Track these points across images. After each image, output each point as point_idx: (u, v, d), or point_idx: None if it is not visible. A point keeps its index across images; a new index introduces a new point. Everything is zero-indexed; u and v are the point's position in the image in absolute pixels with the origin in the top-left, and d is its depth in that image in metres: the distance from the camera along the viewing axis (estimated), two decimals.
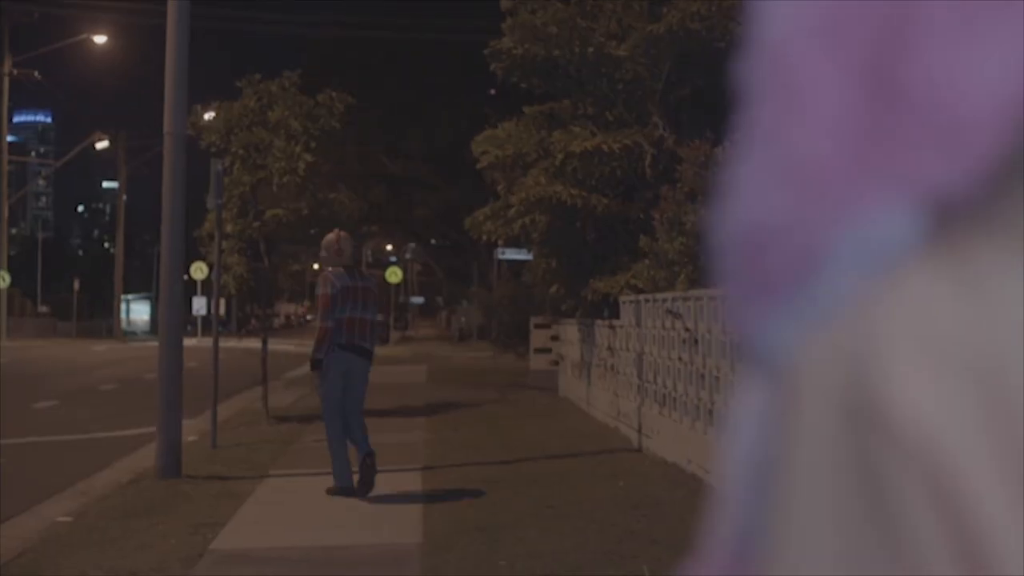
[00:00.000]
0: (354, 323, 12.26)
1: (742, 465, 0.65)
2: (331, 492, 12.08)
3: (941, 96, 0.59)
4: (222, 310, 16.79)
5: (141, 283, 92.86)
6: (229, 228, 17.78)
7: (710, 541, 0.71)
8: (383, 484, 12.21)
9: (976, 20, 0.58)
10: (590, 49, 19.14)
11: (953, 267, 0.56)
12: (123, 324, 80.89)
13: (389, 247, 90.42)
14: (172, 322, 13.88)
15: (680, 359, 13.49)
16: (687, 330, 13.19)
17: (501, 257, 37.15)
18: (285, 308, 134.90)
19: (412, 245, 77.44)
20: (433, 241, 67.66)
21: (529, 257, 28.40)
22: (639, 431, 15.38)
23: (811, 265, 0.62)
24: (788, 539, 0.56)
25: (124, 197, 79.47)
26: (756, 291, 0.66)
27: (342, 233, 12.92)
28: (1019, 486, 0.49)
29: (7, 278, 59.65)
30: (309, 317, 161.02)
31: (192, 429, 15.70)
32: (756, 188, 0.66)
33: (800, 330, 0.61)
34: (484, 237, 22.26)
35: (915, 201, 0.59)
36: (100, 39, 61.22)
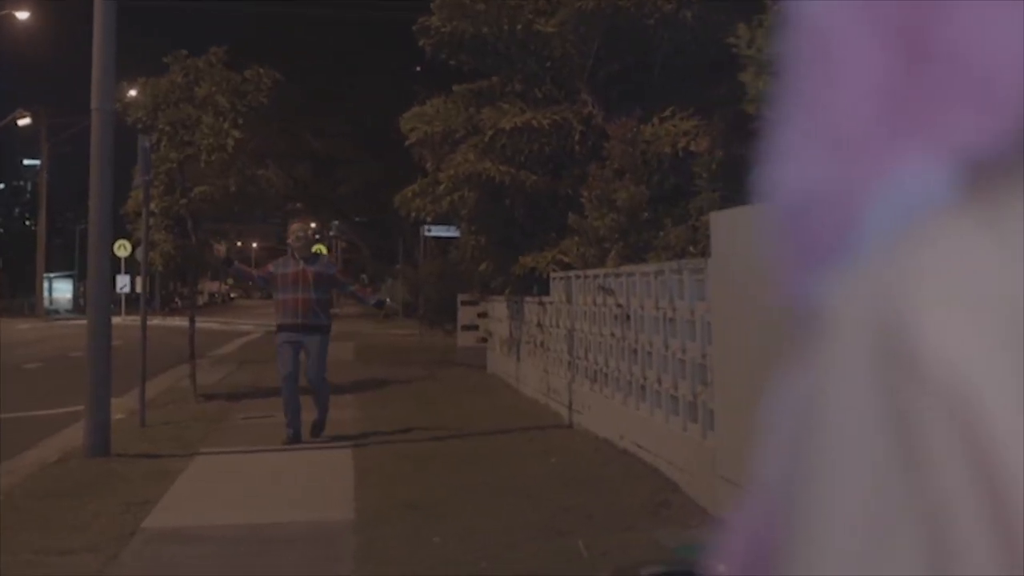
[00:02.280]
0: (286, 303, 14.10)
1: (785, 428, 0.65)
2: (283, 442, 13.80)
3: (974, 55, 0.59)
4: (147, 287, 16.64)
5: (64, 261, 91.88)
6: (155, 205, 17.63)
7: (751, 498, 0.71)
8: (314, 462, 12.20)
9: None
10: (518, 26, 19.12)
11: (988, 220, 0.56)
12: (45, 303, 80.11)
13: (314, 224, 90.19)
14: (100, 300, 13.76)
15: (612, 335, 13.52)
16: (619, 306, 13.22)
17: (428, 234, 37.06)
18: (209, 286, 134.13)
19: (336, 222, 77.03)
20: (358, 219, 67.42)
21: (456, 234, 28.38)
22: (570, 407, 15.41)
23: (853, 225, 0.63)
24: (819, 479, 0.57)
25: (46, 175, 78.66)
26: (801, 255, 0.67)
27: (294, 225, 15.18)
28: None
29: None
30: (233, 295, 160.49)
31: (120, 407, 15.55)
32: (798, 154, 0.67)
33: (842, 287, 0.61)
34: (413, 214, 22.20)
35: (951, 158, 0.60)
36: (22, 15, 60.44)
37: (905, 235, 0.59)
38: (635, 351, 12.63)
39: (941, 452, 0.51)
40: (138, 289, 16.55)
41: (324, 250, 58.79)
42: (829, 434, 0.57)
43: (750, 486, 0.71)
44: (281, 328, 14.24)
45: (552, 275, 17.19)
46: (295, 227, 15.24)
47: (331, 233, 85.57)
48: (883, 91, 0.62)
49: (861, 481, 0.54)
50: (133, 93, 19.01)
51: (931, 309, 0.54)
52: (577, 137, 18.68)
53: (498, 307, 22.10)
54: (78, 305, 79.22)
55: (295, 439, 13.95)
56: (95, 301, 13.78)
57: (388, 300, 14.22)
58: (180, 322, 20.47)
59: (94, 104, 13.59)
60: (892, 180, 0.61)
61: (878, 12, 0.63)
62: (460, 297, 26.16)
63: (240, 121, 18.16)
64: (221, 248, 16.54)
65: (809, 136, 0.66)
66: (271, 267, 14.76)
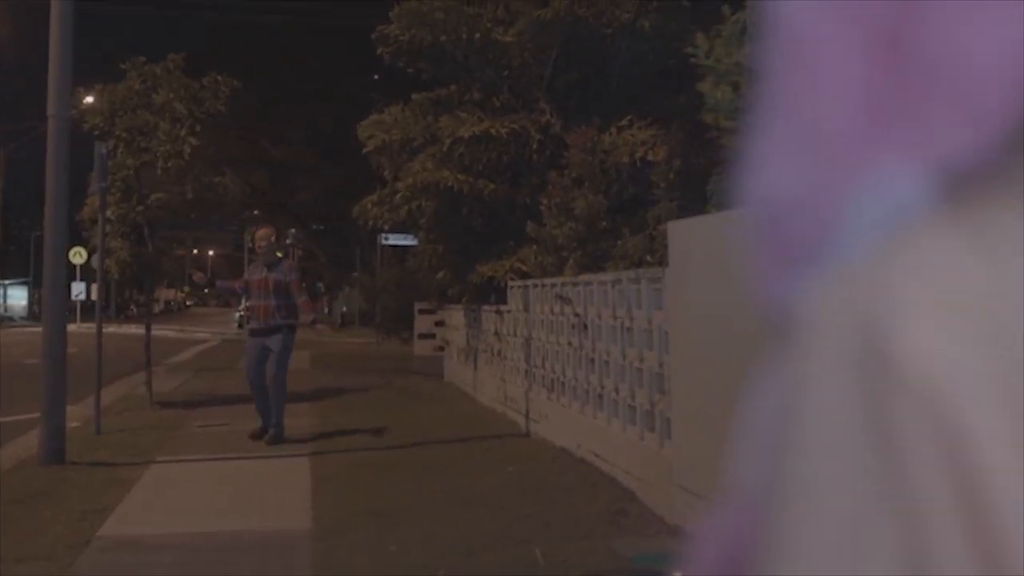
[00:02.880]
0: (255, 308, 15.06)
1: (761, 434, 0.66)
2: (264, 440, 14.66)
3: (953, 64, 0.60)
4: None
5: (19, 268, 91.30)
6: (112, 212, 17.56)
7: (727, 503, 0.72)
8: (272, 471, 12.19)
9: None
10: (477, 35, 19.15)
11: (967, 228, 0.57)
12: (0, 310, 79.64)
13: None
14: (56, 307, 13.68)
15: (569, 344, 13.53)
16: (577, 315, 13.24)
17: (385, 242, 37.03)
18: (165, 294, 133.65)
19: (293, 230, 76.81)
20: (315, 226, 67.30)
21: (414, 242, 28.37)
22: (527, 416, 15.43)
23: (831, 231, 0.64)
24: (799, 482, 0.58)
25: (0, 181, 78.24)
26: (777, 260, 0.68)
27: (260, 232, 15.83)
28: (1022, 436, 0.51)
29: None
30: (189, 303, 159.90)
31: (75, 415, 15.49)
32: (776, 160, 0.68)
33: (819, 292, 0.62)
34: (371, 223, 22.19)
35: (929, 166, 0.61)
36: None
37: (884, 241, 0.60)
38: (592, 360, 12.65)
39: (918, 453, 0.52)
40: (94, 296, 16.46)
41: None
42: (808, 436, 0.58)
43: (723, 493, 0.72)
44: (251, 332, 15.24)
45: (510, 284, 17.21)
46: (261, 233, 15.77)
47: (288, 241, 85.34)
48: (862, 97, 0.63)
49: (841, 482, 0.55)
50: (90, 99, 18.95)
51: (909, 315, 0.55)
52: (535, 146, 18.72)
53: (455, 316, 22.10)
54: (33, 312, 78.66)
55: (262, 435, 14.73)
56: (50, 308, 13.71)
57: (315, 319, 15.30)
58: (136, 329, 20.40)
59: (50, 111, 13.53)
60: (870, 186, 0.63)
61: (859, 18, 0.64)
62: (417, 305, 26.14)
63: (197, 128, 18.12)
64: (201, 275, 17.03)
65: (786, 142, 0.67)
66: (246, 275, 15.67)
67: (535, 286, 15.45)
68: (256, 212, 59.59)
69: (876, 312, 0.56)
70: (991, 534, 0.50)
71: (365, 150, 21.34)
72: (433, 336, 25.03)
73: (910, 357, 0.54)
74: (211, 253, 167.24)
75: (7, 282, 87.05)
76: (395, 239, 34.50)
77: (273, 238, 15.66)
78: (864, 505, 0.54)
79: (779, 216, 0.68)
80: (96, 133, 17.58)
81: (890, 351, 0.54)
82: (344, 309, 62.47)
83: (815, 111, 0.65)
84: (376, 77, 35.19)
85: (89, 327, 15.97)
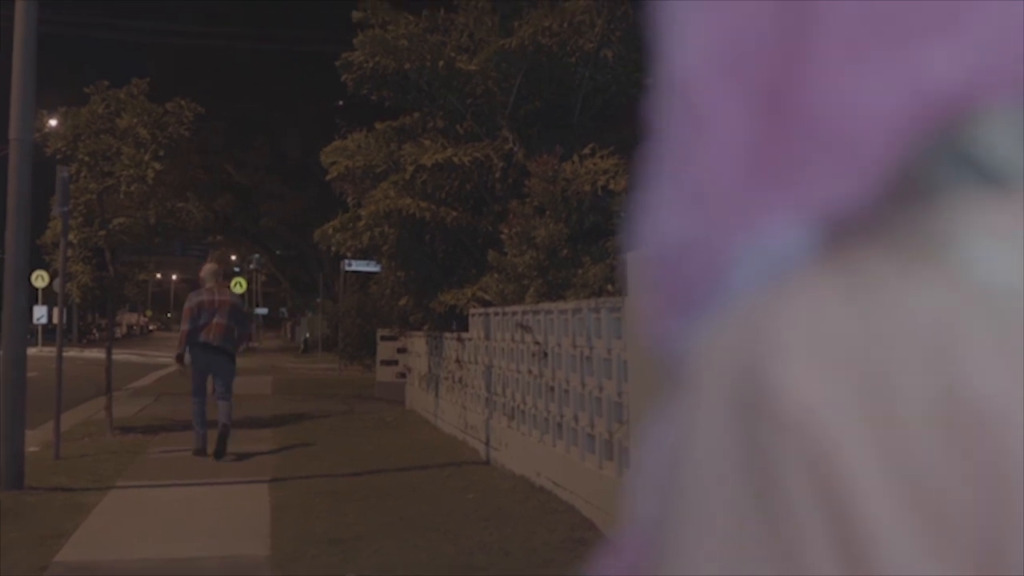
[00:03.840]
0: (208, 327, 15.98)
1: (655, 470, 0.70)
2: (194, 452, 15.69)
3: (832, 120, 0.64)
4: (64, 319, 16.51)
5: None
6: (74, 236, 17.52)
7: (624, 537, 0.76)
8: (230, 497, 12.19)
9: (863, 52, 0.63)
10: (441, 63, 19.20)
11: (842, 275, 0.61)
12: None
13: (234, 257, 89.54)
14: (16, 331, 13.64)
15: (530, 372, 13.56)
16: (537, 343, 13.28)
17: (348, 269, 36.99)
18: (127, 318, 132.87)
19: (257, 255, 76.70)
20: (279, 252, 67.23)
21: (377, 269, 28.36)
22: (487, 444, 15.44)
23: (718, 277, 0.67)
24: (684, 520, 0.61)
25: None
26: (671, 303, 0.72)
27: (207, 267, 16.97)
28: (895, 474, 0.54)
29: None
30: (152, 327, 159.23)
31: (34, 440, 15.45)
32: (668, 208, 0.71)
33: (705, 336, 0.66)
34: (333, 249, 22.19)
35: (808, 216, 0.65)
36: None
37: (765, 287, 0.64)
38: (552, 388, 12.68)
39: (795, 489, 0.55)
40: (55, 320, 16.39)
41: (244, 284, 58.46)
42: (693, 475, 0.60)
43: (622, 528, 0.76)
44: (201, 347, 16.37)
45: (471, 312, 17.23)
46: (207, 268, 17.04)
47: (251, 266, 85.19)
48: (746, 151, 0.66)
49: (723, 521, 0.58)
50: (53, 123, 18.91)
51: (784, 358, 0.58)
52: (498, 174, 18.77)
53: (417, 343, 22.08)
54: None
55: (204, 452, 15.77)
56: (10, 332, 13.66)
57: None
58: (97, 354, 20.33)
59: (12, 135, 13.51)
60: (754, 234, 0.66)
61: (742, 72, 0.67)
62: (380, 332, 26.11)
63: (161, 153, 18.09)
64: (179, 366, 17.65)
65: (676, 193, 0.70)
66: (188, 303, 16.57)
67: (496, 314, 15.49)
68: (220, 237, 59.49)
69: (754, 356, 0.59)
70: (864, 563, 0.53)
71: (328, 176, 21.36)
72: (395, 363, 24.99)
73: (785, 398, 0.57)
74: (174, 278, 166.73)
75: None
76: (358, 265, 34.43)
77: (204, 274, 16.79)
78: (744, 542, 0.57)
79: (672, 260, 0.71)
80: (59, 157, 17.54)
81: (767, 392, 0.57)
82: (307, 335, 62.30)
83: (701, 165, 0.68)
84: (340, 104, 35.18)
85: (51, 351, 15.91)
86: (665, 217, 0.72)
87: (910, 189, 0.63)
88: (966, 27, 0.64)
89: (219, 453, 15.41)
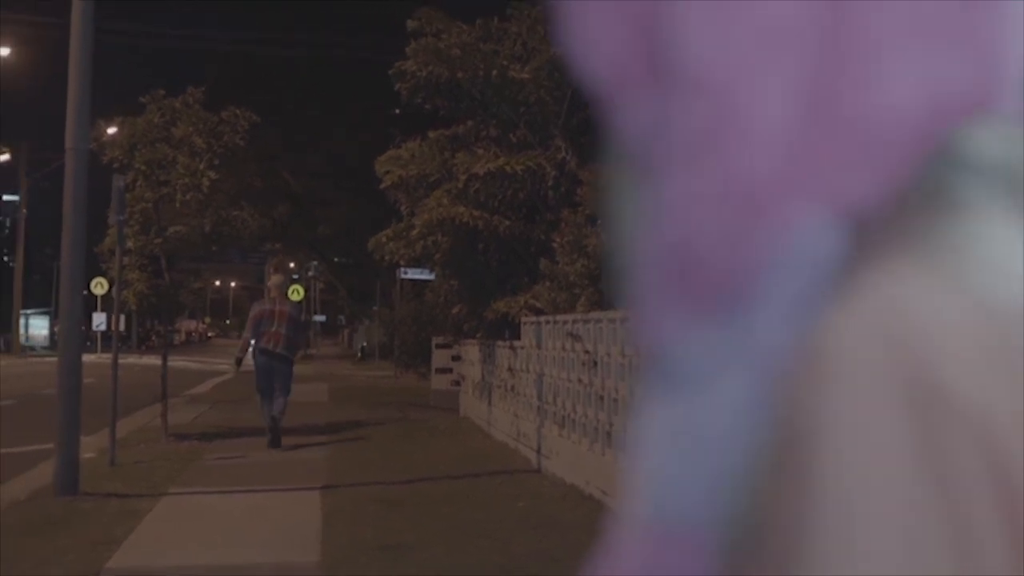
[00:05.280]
0: (268, 335, 17.67)
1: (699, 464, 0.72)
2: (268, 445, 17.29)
3: (869, 121, 0.68)
4: (123, 326, 16.66)
5: (41, 298, 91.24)
6: (130, 244, 17.65)
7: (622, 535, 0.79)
8: (283, 504, 12.26)
9: (896, 55, 0.68)
10: (494, 72, 19.24)
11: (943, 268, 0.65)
12: (22, 339, 79.70)
13: (292, 264, 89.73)
14: (71, 338, 13.77)
15: (580, 381, 13.55)
16: (587, 352, 13.26)
17: (404, 276, 37.05)
18: (186, 325, 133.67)
19: (315, 263, 76.80)
20: (336, 259, 67.34)
21: (432, 277, 28.41)
22: (539, 452, 15.44)
23: (751, 277, 0.70)
24: (832, 520, 0.60)
25: (24, 211, 78.39)
26: (685, 306, 0.73)
27: (274, 278, 19.15)
28: None
29: None
30: (211, 334, 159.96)
31: (90, 446, 15.57)
32: (688, 207, 0.72)
33: (741, 336, 0.69)
34: (387, 257, 22.27)
35: (842, 216, 0.68)
36: (3, 50, 60.39)
37: (807, 290, 0.67)
38: (602, 397, 12.67)
39: (974, 484, 0.58)
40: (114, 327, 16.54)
41: (302, 292, 58.64)
42: (840, 470, 0.61)
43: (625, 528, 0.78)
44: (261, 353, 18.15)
45: (523, 320, 17.24)
46: (274, 280, 19.15)
47: (309, 274, 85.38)
48: (782, 148, 0.69)
49: (892, 515, 0.59)
50: (112, 131, 19.05)
51: (956, 357, 0.60)
52: (550, 183, 18.80)
53: (471, 351, 22.10)
54: (54, 342, 78.78)
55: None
56: (66, 339, 13.79)
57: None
58: (156, 360, 20.44)
59: (68, 144, 13.62)
60: (790, 236, 0.69)
61: (783, 71, 0.69)
62: (434, 340, 26.12)
63: (216, 162, 18.20)
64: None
65: (701, 190, 0.71)
66: (251, 312, 18.59)
67: (547, 323, 15.47)
68: (278, 245, 59.66)
69: (921, 356, 0.60)
70: None
71: (382, 186, 21.45)
72: (450, 371, 25.01)
73: (961, 393, 0.59)
74: (233, 285, 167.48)
75: (29, 311, 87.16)
76: (413, 274, 34.47)
77: (285, 286, 19.29)
78: (921, 531, 0.58)
79: (690, 265, 0.72)
80: (115, 166, 17.67)
81: (942, 390, 0.59)
82: (364, 343, 62.43)
83: (732, 161, 0.70)
84: (396, 112, 35.28)
85: (109, 357, 16.00)
86: (684, 216, 0.73)
87: (926, 196, 0.68)
88: (975, 33, 0.69)
89: (273, 442, 17.23)
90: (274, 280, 19.02)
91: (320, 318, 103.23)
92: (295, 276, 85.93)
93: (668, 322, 0.74)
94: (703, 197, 0.71)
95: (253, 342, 18.21)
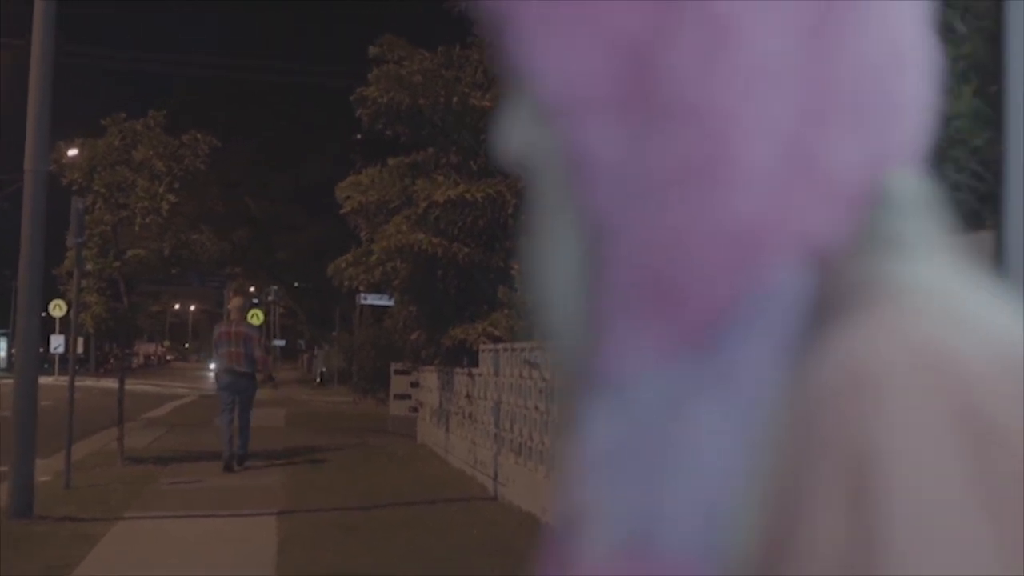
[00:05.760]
0: (230, 354, 18.14)
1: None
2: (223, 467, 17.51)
3: (839, 173, 0.74)
4: (80, 349, 16.62)
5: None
6: (89, 267, 17.60)
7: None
8: (237, 528, 12.22)
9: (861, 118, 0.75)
10: (455, 99, 19.29)
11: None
12: None
13: (252, 288, 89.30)
14: (27, 360, 13.74)
15: (536, 408, 13.56)
16: (544, 380, 13.27)
17: (363, 302, 37.00)
18: (144, 348, 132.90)
19: (275, 288, 76.65)
20: (296, 284, 67.22)
21: (391, 303, 28.38)
22: (495, 479, 15.43)
23: (735, 310, 0.73)
24: (891, 542, 0.62)
25: None
26: (664, 335, 0.75)
27: (234, 301, 19.86)
28: None
29: None
30: (169, 358, 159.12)
31: (45, 469, 15.47)
32: (674, 238, 0.74)
33: (724, 365, 0.72)
34: (346, 283, 22.28)
35: (812, 255, 0.74)
36: None
37: (784, 327, 0.72)
38: (559, 425, 12.64)
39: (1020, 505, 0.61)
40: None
41: (261, 316, 58.50)
42: (907, 492, 0.62)
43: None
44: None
45: (481, 347, 17.25)
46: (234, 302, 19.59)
47: (269, 298, 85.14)
48: (767, 192, 0.73)
49: (949, 534, 0.61)
50: (73, 152, 18.99)
51: (1000, 392, 0.63)
52: (510, 210, 18.81)
53: (429, 377, 22.09)
54: (12, 364, 78.18)
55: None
56: (22, 362, 13.76)
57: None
58: (114, 384, 20.32)
59: (27, 165, 13.58)
60: (773, 272, 0.73)
61: (772, 122, 0.73)
62: (393, 366, 26.09)
63: (176, 185, 18.18)
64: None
65: (691, 225, 0.74)
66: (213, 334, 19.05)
67: (505, 350, 15.49)
68: (238, 269, 59.54)
69: (974, 392, 0.63)
70: None
71: (342, 211, 21.46)
72: (408, 397, 24.98)
73: (1006, 421, 0.62)
74: (192, 308, 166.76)
75: None
76: (373, 299, 34.44)
77: (245, 309, 19.81)
78: (975, 552, 0.61)
79: (672, 296, 0.75)
80: (75, 188, 17.62)
81: (995, 421, 0.62)
82: (323, 368, 62.23)
83: (728, 194, 0.73)
84: (359, 137, 35.30)
85: (67, 380, 15.92)
86: (668, 245, 0.75)
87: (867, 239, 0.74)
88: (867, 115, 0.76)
89: (228, 466, 17.56)
90: (234, 303, 19.49)
91: (280, 343, 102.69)
92: (255, 300, 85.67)
93: (641, 350, 0.75)
94: (691, 230, 0.74)
95: (214, 364, 19.09)
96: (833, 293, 0.71)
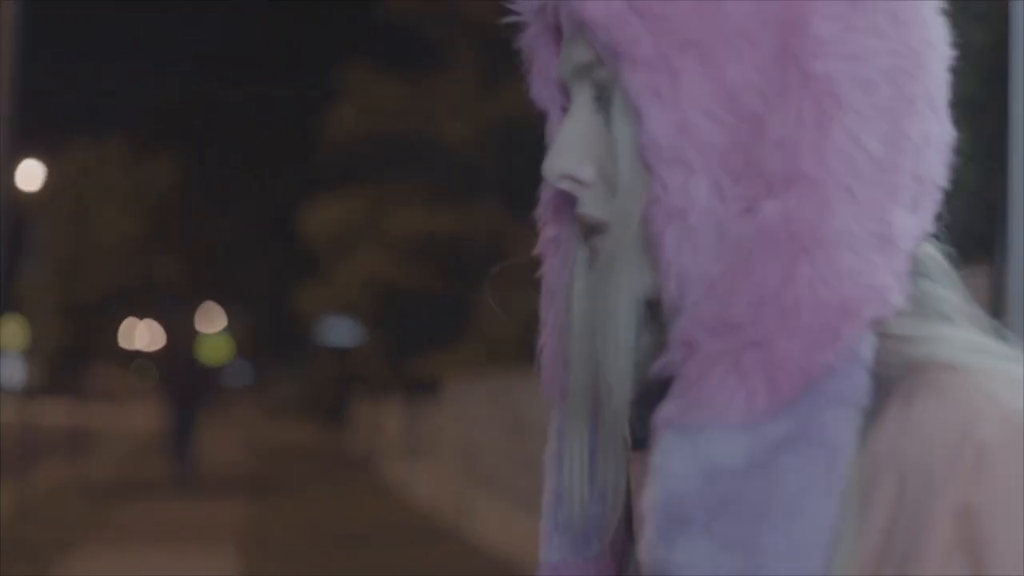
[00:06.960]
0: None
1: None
2: None
3: (905, 243, 0.83)
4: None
5: None
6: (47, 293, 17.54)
7: None
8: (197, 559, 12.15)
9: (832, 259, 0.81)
10: (428, 130, 19.32)
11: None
12: None
13: (216, 314, 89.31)
14: None
15: (504, 443, 13.48)
16: (513, 413, 13.20)
17: (330, 331, 37.15)
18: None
19: (240, 312, 76.95)
20: (262, 309, 67.41)
21: (356, 332, 28.45)
22: (464, 516, 15.31)
23: (818, 374, 0.80)
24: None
25: None
26: (751, 391, 0.80)
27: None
28: None
29: None
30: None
31: None
32: (766, 303, 0.81)
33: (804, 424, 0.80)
34: (311, 311, 22.37)
35: (878, 321, 0.82)
36: None
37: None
38: (528, 462, 12.55)
39: None
40: None
41: (224, 342, 58.55)
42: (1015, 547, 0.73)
43: None
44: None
45: (449, 379, 17.22)
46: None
47: (233, 323, 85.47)
48: (855, 258, 0.82)
49: None
50: (37, 175, 18.91)
51: None
52: (481, 241, 18.84)
53: (395, 409, 22.04)
54: None
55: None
56: None
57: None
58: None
59: None
60: (850, 339, 0.81)
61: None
62: (359, 397, 26.17)
63: (140, 209, 18.15)
64: None
65: (774, 291, 0.81)
66: None
67: (473, 383, 15.46)
68: (201, 292, 59.68)
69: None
70: None
71: (310, 239, 21.56)
72: (375, 428, 25.00)
73: None
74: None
75: None
76: (340, 327, 34.63)
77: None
78: None
79: (760, 355, 0.80)
80: (35, 214, 17.52)
81: None
82: (289, 395, 62.31)
83: (821, 262, 0.80)
84: (328, 166, 35.56)
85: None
86: (751, 302, 0.80)
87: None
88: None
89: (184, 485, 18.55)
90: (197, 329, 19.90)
91: (244, 369, 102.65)
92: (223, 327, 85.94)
93: (728, 405, 0.80)
94: (786, 292, 0.79)
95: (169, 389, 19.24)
96: (895, 359, 0.79)
